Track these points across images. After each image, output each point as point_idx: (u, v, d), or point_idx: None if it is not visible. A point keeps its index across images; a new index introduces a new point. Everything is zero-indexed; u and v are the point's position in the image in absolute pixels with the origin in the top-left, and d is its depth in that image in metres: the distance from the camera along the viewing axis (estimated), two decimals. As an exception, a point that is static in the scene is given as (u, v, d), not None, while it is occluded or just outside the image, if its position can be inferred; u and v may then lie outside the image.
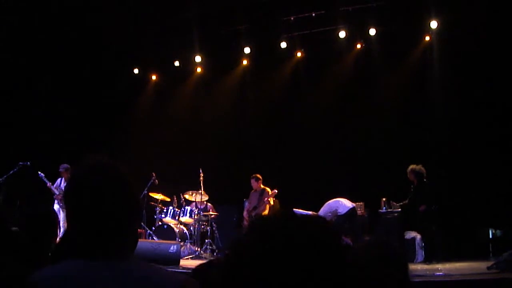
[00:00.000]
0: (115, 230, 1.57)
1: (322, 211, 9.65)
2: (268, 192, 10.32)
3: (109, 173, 1.63)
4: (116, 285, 1.52)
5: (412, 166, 9.51)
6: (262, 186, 10.51)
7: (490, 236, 9.62)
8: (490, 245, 9.47)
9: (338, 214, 9.56)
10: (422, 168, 9.49)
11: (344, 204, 9.63)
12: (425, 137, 10.81)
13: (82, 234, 1.58)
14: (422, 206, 9.30)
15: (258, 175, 10.55)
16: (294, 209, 9.52)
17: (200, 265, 2.31)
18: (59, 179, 10.84)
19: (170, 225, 10.28)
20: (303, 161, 11.49)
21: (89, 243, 1.57)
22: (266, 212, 10.11)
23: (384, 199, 10.45)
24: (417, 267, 8.43)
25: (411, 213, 9.68)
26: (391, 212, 10.34)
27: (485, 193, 9.65)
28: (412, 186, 9.62)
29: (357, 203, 10.28)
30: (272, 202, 10.32)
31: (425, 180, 9.45)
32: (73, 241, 1.68)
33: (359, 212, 10.29)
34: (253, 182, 10.57)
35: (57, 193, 10.66)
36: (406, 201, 9.85)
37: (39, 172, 10.48)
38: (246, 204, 10.84)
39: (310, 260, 1.17)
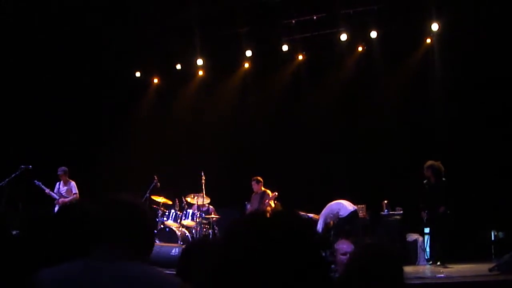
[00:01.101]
0: (123, 233, 1.70)
1: (323, 213, 9.65)
2: (269, 194, 10.31)
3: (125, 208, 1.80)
4: (115, 286, 1.57)
5: (430, 162, 9.09)
6: (263, 188, 10.50)
7: (493, 238, 9.58)
8: (493, 247, 9.43)
9: (340, 216, 9.57)
10: (441, 165, 9.06)
11: (346, 206, 9.61)
12: (426, 139, 10.79)
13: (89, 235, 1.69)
14: (441, 207, 8.82)
15: (259, 178, 10.53)
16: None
17: (191, 244, 2.43)
18: (57, 183, 10.75)
19: (172, 228, 10.23)
20: (304, 164, 11.47)
21: (95, 245, 1.67)
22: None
23: (385, 201, 10.44)
24: (419, 269, 8.45)
25: (428, 213, 9.13)
26: (393, 214, 10.34)
27: (488, 195, 9.62)
28: (426, 183, 9.18)
29: (358, 206, 10.22)
30: (273, 205, 10.29)
31: (444, 179, 8.99)
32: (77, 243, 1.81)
33: (360, 214, 10.22)
34: (254, 184, 10.56)
35: (57, 197, 10.60)
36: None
37: (35, 181, 10.41)
38: (248, 206, 10.80)
39: (286, 255, 1.21)
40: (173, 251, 8.73)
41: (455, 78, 10.62)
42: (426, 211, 9.20)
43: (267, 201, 10.27)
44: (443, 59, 10.96)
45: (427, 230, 9.85)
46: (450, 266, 8.40)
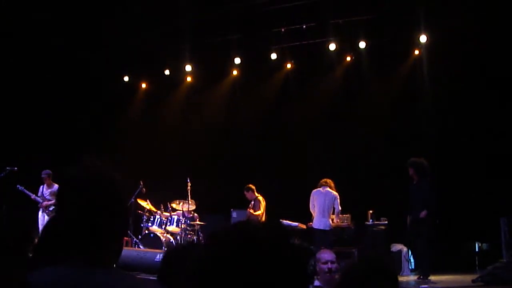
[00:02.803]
0: (102, 238, 1.59)
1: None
2: (260, 201, 10.28)
3: (102, 182, 1.67)
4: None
5: (412, 159, 8.55)
6: (256, 194, 10.44)
7: (476, 249, 9.59)
8: (476, 258, 9.44)
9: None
10: (425, 162, 8.45)
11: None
12: (413, 150, 10.46)
13: (69, 240, 1.59)
14: (423, 211, 8.16)
15: (249, 185, 10.47)
16: (282, 220, 9.71)
17: (172, 250, 2.41)
18: (41, 186, 10.64)
19: (156, 234, 10.19)
20: (291, 172, 11.47)
21: (74, 250, 1.58)
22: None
23: (371, 211, 10.42)
24: (403, 280, 8.44)
25: (411, 217, 8.52)
26: (378, 224, 10.32)
27: (472, 206, 9.65)
28: (410, 184, 8.67)
29: (344, 215, 10.23)
30: (262, 210, 10.25)
31: (428, 178, 8.34)
32: (53, 247, 1.69)
33: (345, 224, 10.26)
34: (245, 193, 10.51)
35: (40, 201, 10.50)
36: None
37: (18, 186, 10.28)
38: (234, 214, 10.81)
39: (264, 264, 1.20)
40: (157, 257, 8.66)
41: (443, 90, 10.68)
42: (410, 215, 8.61)
43: (249, 210, 10.26)
44: (431, 71, 11.03)
45: None
46: (433, 280, 8.20)
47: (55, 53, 11.76)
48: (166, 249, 9.54)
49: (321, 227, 9.23)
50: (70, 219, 1.60)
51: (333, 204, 9.32)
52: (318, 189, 9.42)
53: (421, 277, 8.36)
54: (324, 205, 9.28)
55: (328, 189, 9.35)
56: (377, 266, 2.10)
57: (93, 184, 1.64)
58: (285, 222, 9.81)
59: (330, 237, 9.30)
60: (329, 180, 9.39)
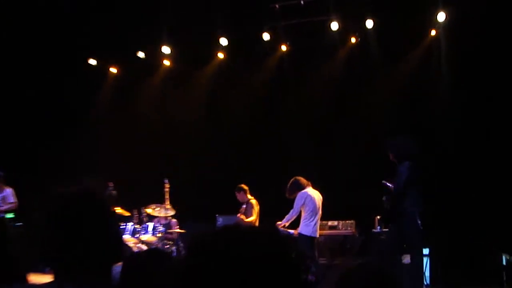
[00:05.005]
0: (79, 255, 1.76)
1: None
2: (253, 205, 10.36)
3: (94, 209, 1.86)
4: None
5: (389, 140, 8.29)
6: (249, 196, 10.52)
7: (504, 263, 9.58)
8: (504, 272, 9.41)
9: None
10: (408, 139, 8.09)
11: None
12: (429, 147, 10.59)
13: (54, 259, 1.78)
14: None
15: (242, 185, 10.55)
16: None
17: (132, 259, 2.50)
18: None
19: (128, 244, 10.07)
20: (287, 171, 10.98)
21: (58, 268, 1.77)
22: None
23: (378, 217, 10.21)
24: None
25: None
26: (387, 232, 9.92)
27: (498, 214, 9.62)
28: None
29: (347, 221, 10.30)
30: (255, 216, 10.35)
31: (409, 161, 7.78)
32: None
33: (349, 231, 10.25)
34: (237, 194, 10.58)
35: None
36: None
37: None
38: (220, 220, 10.88)
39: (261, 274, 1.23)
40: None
41: (464, 78, 10.59)
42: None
43: (240, 216, 10.30)
44: (450, 55, 10.91)
45: (426, 251, 9.49)
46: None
47: (10, 32, 11.58)
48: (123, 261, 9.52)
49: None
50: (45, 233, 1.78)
51: None
52: (310, 188, 9.59)
53: None
54: (319, 208, 9.49)
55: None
56: (378, 276, 2.11)
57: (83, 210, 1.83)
58: (283, 230, 9.72)
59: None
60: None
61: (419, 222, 7.79)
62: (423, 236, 8.02)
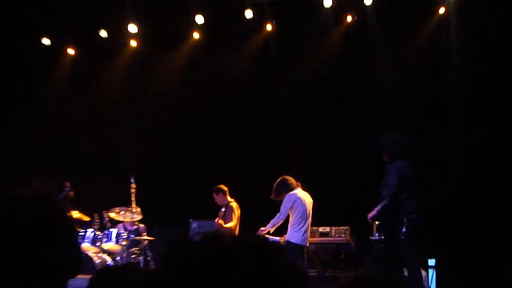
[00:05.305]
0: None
1: None
2: (233, 209, 10.36)
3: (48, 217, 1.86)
4: None
5: (382, 138, 8.61)
6: (229, 199, 10.52)
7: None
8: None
9: None
10: (401, 138, 8.48)
11: None
12: (437, 141, 10.77)
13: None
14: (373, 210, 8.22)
15: (221, 186, 10.58)
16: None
17: (100, 274, 2.66)
18: None
19: (88, 254, 9.96)
20: (273, 169, 11.14)
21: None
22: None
23: (376, 222, 9.86)
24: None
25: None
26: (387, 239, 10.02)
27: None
28: None
29: (340, 227, 10.34)
30: (235, 221, 10.37)
31: (401, 160, 8.20)
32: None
33: (342, 239, 10.28)
34: (214, 196, 10.58)
35: None
36: None
37: None
38: (194, 225, 10.96)
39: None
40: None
41: (477, 62, 10.54)
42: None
43: (219, 221, 10.28)
44: (461, 36, 10.89)
45: (432, 261, 9.77)
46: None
47: None
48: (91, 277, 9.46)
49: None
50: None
51: None
52: (300, 190, 9.62)
53: None
54: (309, 212, 9.52)
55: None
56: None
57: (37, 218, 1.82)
58: (270, 238, 9.73)
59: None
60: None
61: (409, 231, 8.07)
62: (418, 248, 8.18)
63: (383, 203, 8.16)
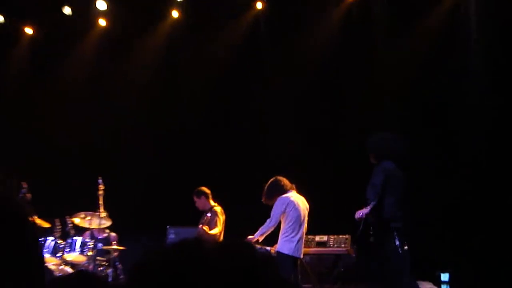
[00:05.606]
0: None
1: None
2: (217, 214, 10.32)
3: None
4: None
5: (370, 139, 8.64)
6: (212, 203, 10.50)
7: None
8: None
9: None
10: (393, 138, 8.57)
11: None
12: (452, 140, 10.79)
13: None
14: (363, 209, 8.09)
15: (203, 188, 10.52)
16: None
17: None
18: None
19: (48, 266, 9.84)
20: (263, 169, 11.01)
21: None
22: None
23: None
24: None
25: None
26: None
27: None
28: None
29: (340, 236, 10.30)
30: (220, 228, 10.31)
31: (389, 161, 8.15)
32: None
33: (342, 249, 10.25)
34: (196, 200, 10.53)
35: None
36: None
37: None
38: (171, 232, 10.81)
39: None
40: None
41: (498, 49, 10.56)
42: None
43: (202, 227, 10.12)
44: (480, 19, 10.87)
45: (445, 276, 9.84)
46: None
47: None
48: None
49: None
50: None
51: None
52: (294, 192, 9.53)
53: None
54: (304, 218, 9.45)
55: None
56: None
57: None
58: (260, 248, 9.66)
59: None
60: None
61: (398, 242, 7.97)
62: (406, 260, 8.14)
63: (372, 204, 8.08)
